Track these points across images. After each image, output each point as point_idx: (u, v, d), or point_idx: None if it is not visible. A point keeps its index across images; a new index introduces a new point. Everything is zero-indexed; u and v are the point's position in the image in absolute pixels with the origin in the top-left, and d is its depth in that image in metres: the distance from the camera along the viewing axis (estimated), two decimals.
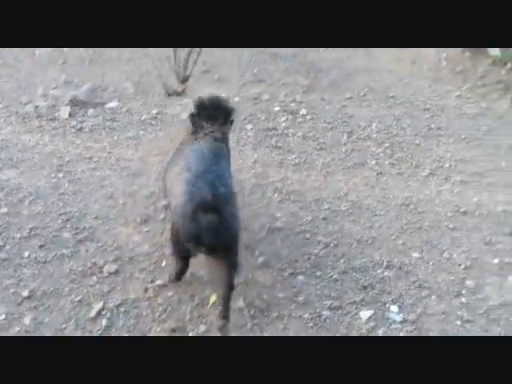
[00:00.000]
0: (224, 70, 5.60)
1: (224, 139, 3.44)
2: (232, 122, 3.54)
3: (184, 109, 4.90)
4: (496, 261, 3.68)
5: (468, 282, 3.52)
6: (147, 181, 4.19)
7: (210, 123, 3.42)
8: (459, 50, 6.00)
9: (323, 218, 3.93)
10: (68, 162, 4.37)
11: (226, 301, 3.14)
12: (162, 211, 3.90)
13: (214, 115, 3.44)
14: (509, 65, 5.77)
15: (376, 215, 4.00)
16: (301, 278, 3.51)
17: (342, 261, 3.62)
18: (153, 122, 4.81)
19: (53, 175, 4.22)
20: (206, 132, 3.38)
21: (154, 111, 4.92)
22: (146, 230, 3.78)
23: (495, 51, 5.75)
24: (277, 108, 5.01)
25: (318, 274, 3.53)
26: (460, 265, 3.63)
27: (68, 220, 3.84)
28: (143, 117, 4.85)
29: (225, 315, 3.15)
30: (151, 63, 5.26)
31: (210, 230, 2.88)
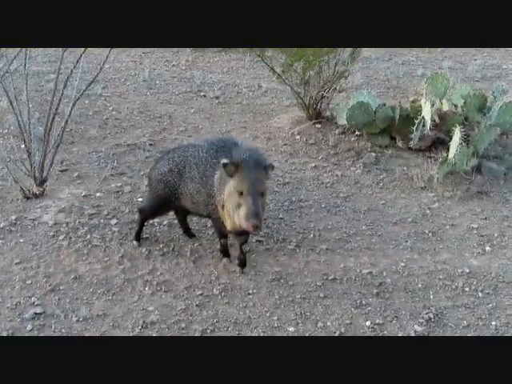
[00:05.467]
0: (83, 166, 5.54)
1: None
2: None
3: (44, 211, 4.79)
4: (368, 323, 3.79)
5: None
6: (11, 291, 4.01)
7: None
8: (310, 123, 6.30)
9: (197, 305, 3.91)
10: None
11: None
12: (30, 322, 3.73)
13: None
14: (357, 132, 6.13)
15: (249, 294, 4.03)
16: None
17: None
18: (12, 229, 4.63)
19: None
20: None
21: (13, 217, 4.75)
22: None
23: (343, 121, 6.08)
24: (140, 199, 4.99)
25: None
26: (335, 332, 3.71)
27: None
28: (1, 225, 4.66)
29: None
30: (6, 168, 5.11)
31: None
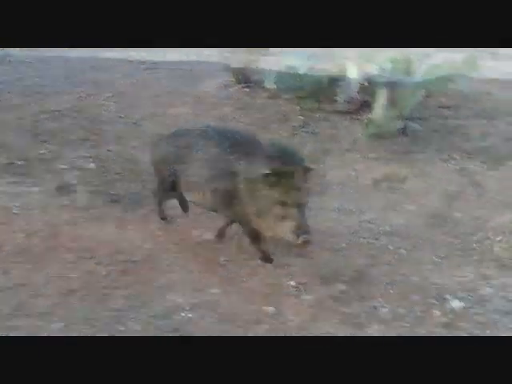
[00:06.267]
0: (5, 134, 5.38)
1: None
2: None
3: None
4: (293, 283, 3.82)
5: (269, 308, 3.61)
6: None
7: None
8: (238, 86, 6.28)
9: (121, 271, 3.86)
10: None
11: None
12: None
13: None
14: (285, 96, 6.13)
15: (174, 258, 4.00)
16: None
17: (143, 310, 3.55)
18: None
19: None
20: None
21: None
22: None
23: (271, 84, 6.07)
24: (63, 166, 4.88)
25: (121, 328, 3.43)
26: (259, 293, 3.72)
27: None
28: None
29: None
30: None
31: None
